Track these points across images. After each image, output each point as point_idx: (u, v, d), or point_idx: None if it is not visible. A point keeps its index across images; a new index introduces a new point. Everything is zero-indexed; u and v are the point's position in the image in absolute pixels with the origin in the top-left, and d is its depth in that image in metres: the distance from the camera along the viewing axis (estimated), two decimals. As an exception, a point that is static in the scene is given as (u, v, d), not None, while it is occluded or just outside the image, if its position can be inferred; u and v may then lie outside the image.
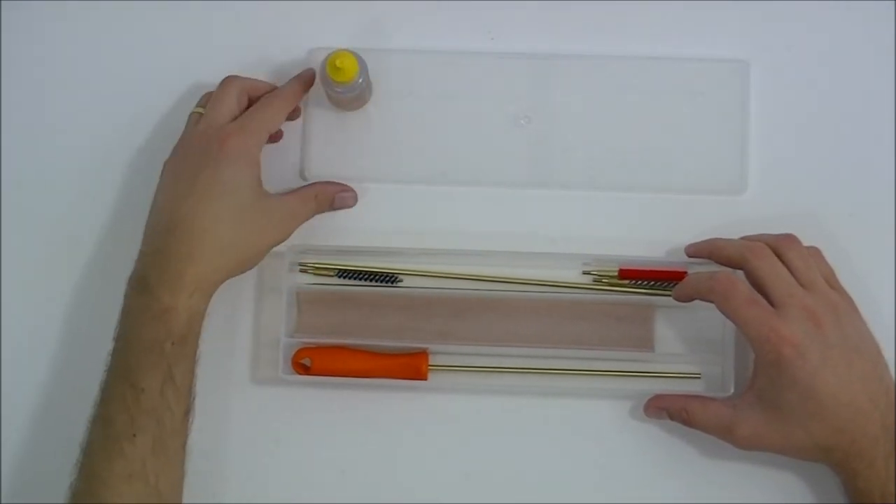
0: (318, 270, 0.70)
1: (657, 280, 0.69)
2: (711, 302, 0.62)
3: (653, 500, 0.68)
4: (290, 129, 0.72)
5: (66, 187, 0.72)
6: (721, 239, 0.67)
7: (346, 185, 0.70)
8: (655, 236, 0.71)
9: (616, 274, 0.69)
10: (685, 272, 0.69)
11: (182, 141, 0.66)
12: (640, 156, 0.72)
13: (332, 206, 0.69)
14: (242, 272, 0.65)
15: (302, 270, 0.70)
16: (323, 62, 0.67)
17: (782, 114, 0.72)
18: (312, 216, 0.68)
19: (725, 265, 0.65)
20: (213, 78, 0.71)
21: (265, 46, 0.73)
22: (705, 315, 0.67)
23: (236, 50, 0.73)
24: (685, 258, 0.69)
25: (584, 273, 0.70)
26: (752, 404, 0.61)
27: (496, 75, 0.73)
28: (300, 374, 0.68)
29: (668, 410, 0.65)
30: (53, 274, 0.71)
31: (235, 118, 0.65)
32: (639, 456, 0.68)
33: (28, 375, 0.70)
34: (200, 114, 0.67)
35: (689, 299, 0.64)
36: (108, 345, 0.62)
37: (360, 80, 0.68)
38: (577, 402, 0.69)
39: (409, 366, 0.68)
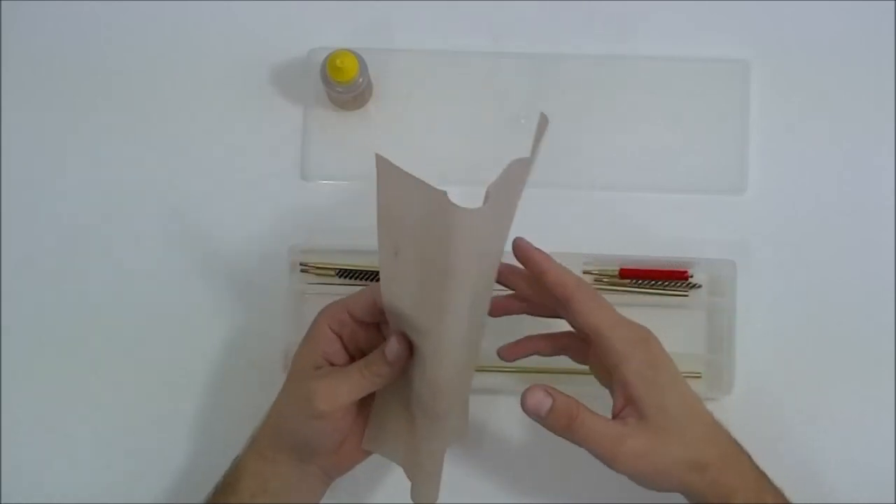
0: (318, 270, 0.70)
1: (657, 279, 0.69)
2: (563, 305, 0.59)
3: (652, 499, 0.68)
4: (290, 129, 0.72)
5: (70, 187, 0.73)
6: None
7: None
8: (655, 236, 0.71)
9: (616, 273, 0.70)
10: (686, 272, 0.69)
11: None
12: (641, 155, 0.72)
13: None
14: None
15: (302, 270, 0.70)
16: (323, 62, 0.67)
17: (782, 114, 0.72)
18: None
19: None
20: (213, 77, 0.71)
21: (265, 46, 0.73)
22: (706, 315, 0.67)
23: (237, 50, 0.73)
24: (685, 257, 0.69)
25: (585, 273, 0.70)
26: (639, 420, 0.56)
27: (496, 75, 0.73)
28: (300, 373, 0.68)
29: (556, 407, 0.56)
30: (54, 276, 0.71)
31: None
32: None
33: (28, 375, 0.70)
34: None
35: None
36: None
37: (361, 80, 0.68)
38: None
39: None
